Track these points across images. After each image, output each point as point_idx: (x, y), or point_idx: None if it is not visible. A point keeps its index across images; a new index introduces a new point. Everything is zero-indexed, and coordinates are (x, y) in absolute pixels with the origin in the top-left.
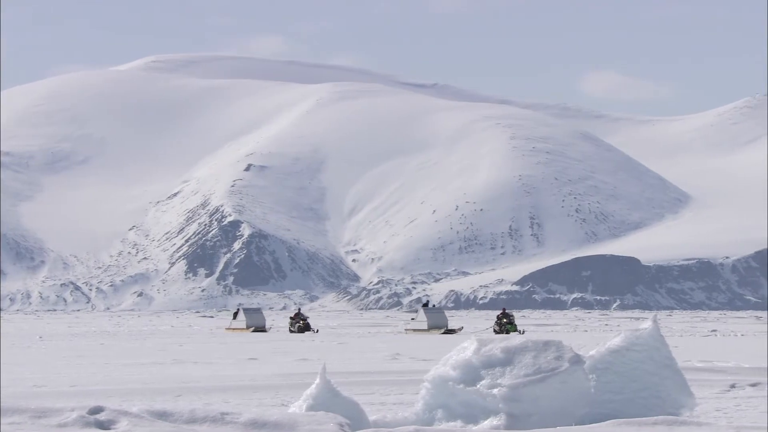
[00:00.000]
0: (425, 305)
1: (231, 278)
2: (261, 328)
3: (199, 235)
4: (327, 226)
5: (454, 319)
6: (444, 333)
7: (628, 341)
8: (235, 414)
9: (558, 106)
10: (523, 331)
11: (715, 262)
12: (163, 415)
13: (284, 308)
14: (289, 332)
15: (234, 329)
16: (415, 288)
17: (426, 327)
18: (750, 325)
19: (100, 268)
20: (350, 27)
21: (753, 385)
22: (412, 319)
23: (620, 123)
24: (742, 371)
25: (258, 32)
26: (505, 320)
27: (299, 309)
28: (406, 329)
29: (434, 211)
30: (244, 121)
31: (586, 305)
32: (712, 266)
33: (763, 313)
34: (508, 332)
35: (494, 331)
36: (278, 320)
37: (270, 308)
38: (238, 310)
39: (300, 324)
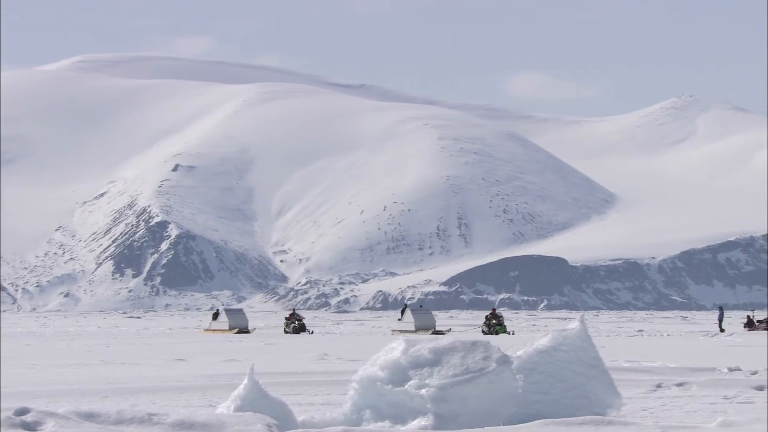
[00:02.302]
0: (405, 307)
1: (158, 279)
2: (244, 330)
3: (126, 236)
4: (255, 226)
5: (381, 320)
6: (432, 334)
7: (556, 342)
8: (163, 415)
9: (485, 106)
10: (513, 333)
11: (641, 263)
12: (90, 416)
13: (211, 309)
14: (284, 333)
15: (214, 331)
16: (342, 288)
17: (413, 328)
18: (676, 325)
19: (26, 268)
20: (277, 27)
21: (679, 384)
22: (399, 320)
23: (547, 124)
24: (668, 371)
25: (184, 33)
26: (494, 321)
27: (294, 309)
28: (392, 330)
29: (362, 211)
30: (171, 121)
31: (514, 305)
32: (639, 266)
33: (688, 313)
34: (497, 333)
35: (482, 332)
36: (205, 321)
37: (197, 309)
38: (218, 311)
39: (295, 325)
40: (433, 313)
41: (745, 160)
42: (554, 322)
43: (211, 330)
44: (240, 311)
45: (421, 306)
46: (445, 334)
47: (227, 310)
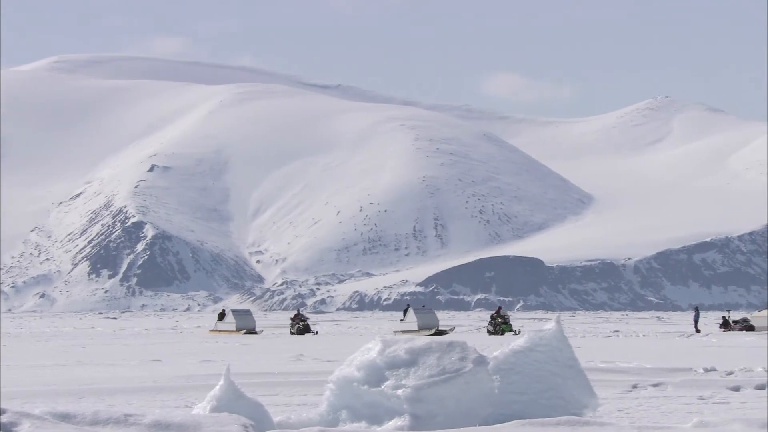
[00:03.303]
0: (408, 307)
1: (134, 279)
2: (252, 331)
3: (102, 236)
4: (231, 227)
5: (358, 320)
6: (434, 334)
7: (532, 342)
8: (139, 415)
9: (462, 107)
10: (519, 332)
11: (617, 263)
12: (66, 417)
13: (188, 309)
14: (290, 334)
15: (220, 331)
16: (319, 289)
17: (416, 328)
18: (652, 325)
19: (1, 269)
20: (253, 28)
21: (655, 385)
22: (401, 320)
23: (523, 124)
24: (644, 372)
25: (159, 33)
26: (499, 320)
27: (299, 309)
28: (395, 331)
29: (338, 212)
30: (147, 121)
31: (490, 306)
32: (615, 267)
33: (664, 314)
34: (503, 332)
35: (488, 331)
36: (181, 321)
37: (174, 309)
38: (224, 311)
39: (300, 326)
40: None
41: (721, 161)
42: (530, 322)
43: (216, 331)
44: (247, 312)
45: (423, 306)
46: (448, 334)
47: (234, 311)
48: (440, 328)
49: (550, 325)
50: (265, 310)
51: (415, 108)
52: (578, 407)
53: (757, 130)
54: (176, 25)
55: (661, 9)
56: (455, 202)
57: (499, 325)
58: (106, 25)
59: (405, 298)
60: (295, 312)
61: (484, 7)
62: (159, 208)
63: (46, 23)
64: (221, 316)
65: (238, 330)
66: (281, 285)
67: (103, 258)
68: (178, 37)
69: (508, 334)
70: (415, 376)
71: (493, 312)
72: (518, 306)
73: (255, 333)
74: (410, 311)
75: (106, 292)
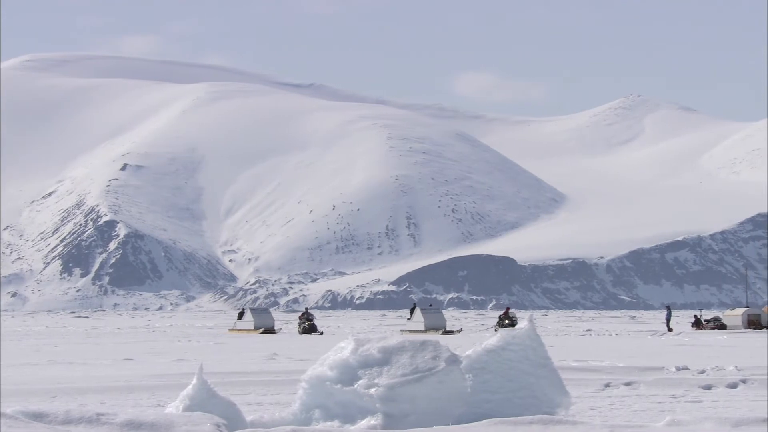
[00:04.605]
0: (414, 306)
1: (107, 278)
2: (270, 330)
3: (75, 235)
4: (204, 226)
5: (330, 319)
6: (442, 334)
7: (505, 341)
8: (111, 415)
9: (434, 106)
10: None
11: (589, 262)
12: (38, 417)
13: (160, 308)
14: (299, 333)
15: (239, 330)
16: (291, 288)
17: (423, 328)
18: (624, 324)
19: None
20: (225, 26)
21: (627, 384)
22: (408, 319)
23: (496, 123)
24: (616, 370)
25: (130, 32)
26: (507, 321)
27: (306, 309)
28: (401, 330)
29: (311, 211)
30: (120, 120)
31: (463, 305)
32: (587, 266)
33: (637, 313)
34: None
35: (495, 331)
36: (154, 320)
37: (146, 308)
38: (244, 310)
39: (305, 325)
40: (383, 312)
41: (693, 160)
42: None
43: (236, 330)
44: (266, 311)
45: (430, 305)
46: (455, 334)
47: (252, 310)
48: (448, 329)
49: (522, 324)
50: (238, 309)
51: (388, 107)
52: (551, 406)
53: (728, 129)
54: (147, 24)
55: (633, 8)
56: (428, 201)
57: (507, 326)
58: (77, 24)
59: (378, 297)
60: (303, 311)
61: (456, 7)
62: (131, 206)
63: (16, 23)
64: (240, 315)
65: (255, 329)
66: (254, 284)
67: (75, 257)
68: (149, 36)
69: None
70: (388, 375)
71: (501, 313)
72: (491, 305)
73: (273, 332)
74: (417, 311)
75: (78, 291)
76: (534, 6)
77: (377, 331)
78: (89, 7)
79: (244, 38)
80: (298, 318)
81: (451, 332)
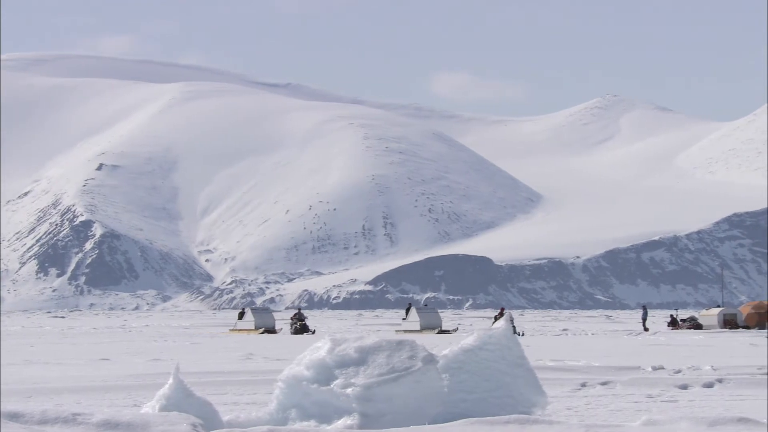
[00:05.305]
0: (410, 306)
1: (83, 278)
2: (271, 330)
3: (51, 235)
4: (180, 225)
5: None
6: (438, 333)
7: (481, 341)
8: (87, 415)
9: (411, 106)
10: (523, 333)
11: (566, 262)
12: (14, 417)
13: (136, 308)
14: (291, 333)
15: (240, 331)
16: (268, 288)
17: (418, 327)
18: (600, 324)
19: None
20: (202, 26)
21: (603, 383)
22: (403, 319)
23: (472, 123)
24: (592, 370)
25: (106, 31)
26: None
27: (299, 309)
28: (396, 331)
29: (288, 210)
30: (96, 120)
31: (439, 305)
32: (563, 266)
33: (613, 312)
34: None
35: None
36: (130, 320)
37: (122, 308)
38: (244, 310)
39: (297, 325)
40: (359, 312)
41: (669, 160)
42: (480, 321)
43: (236, 330)
44: (267, 311)
45: (426, 305)
46: (451, 334)
47: (253, 310)
48: (443, 328)
49: (499, 324)
50: (214, 309)
51: (364, 107)
52: (527, 405)
53: (705, 128)
54: (124, 23)
55: (609, 8)
56: (404, 200)
57: None
58: (53, 24)
59: (354, 297)
60: (295, 312)
61: (432, 6)
62: (107, 206)
63: None
64: (241, 315)
65: (256, 329)
66: (230, 284)
67: (51, 257)
68: (126, 36)
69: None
70: (364, 374)
71: (497, 313)
72: (467, 304)
73: (274, 332)
74: (413, 310)
75: (54, 291)
76: (511, 6)
77: (371, 331)
78: (66, 6)
79: (220, 38)
80: (290, 318)
81: (447, 331)
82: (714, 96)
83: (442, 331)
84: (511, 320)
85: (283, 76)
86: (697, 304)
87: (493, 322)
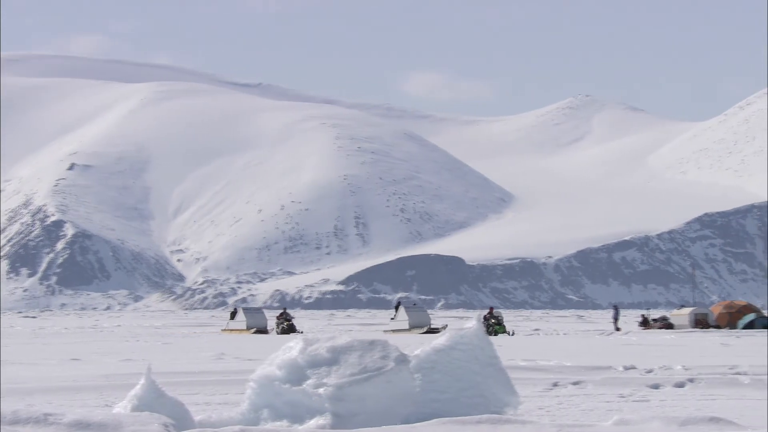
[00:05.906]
0: (399, 304)
1: (54, 278)
2: (263, 330)
3: (22, 235)
4: (152, 225)
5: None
6: (426, 332)
7: (453, 341)
8: (59, 415)
9: (383, 106)
10: (513, 333)
11: (537, 262)
12: None
13: (108, 308)
14: (277, 334)
15: (232, 330)
16: (240, 288)
17: (407, 326)
18: (572, 324)
19: None
20: (172, 26)
21: (575, 383)
22: (392, 318)
23: (444, 123)
24: (564, 370)
25: (77, 31)
26: (492, 320)
27: (284, 309)
28: (384, 330)
29: (260, 210)
30: (67, 120)
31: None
32: (535, 266)
33: (584, 312)
34: (496, 333)
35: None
36: (101, 320)
37: (94, 308)
38: (236, 309)
39: (284, 325)
40: (331, 312)
41: (640, 160)
42: (451, 321)
43: (228, 330)
44: (259, 311)
45: (414, 304)
46: (441, 332)
47: (245, 309)
48: (432, 327)
49: (471, 324)
50: (186, 309)
51: (336, 106)
52: (499, 405)
53: (676, 129)
54: (93, 23)
55: (581, 8)
56: (376, 200)
57: (492, 326)
58: (23, 24)
59: (326, 297)
60: (281, 311)
61: (404, 6)
62: (79, 206)
63: None
64: (233, 315)
65: (248, 329)
66: (202, 284)
67: (22, 257)
68: (96, 35)
69: (501, 336)
70: (336, 374)
71: (486, 312)
72: (439, 304)
73: (266, 332)
74: (401, 309)
75: (25, 291)
76: (482, 6)
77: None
78: (36, 6)
79: (191, 38)
80: (276, 318)
81: (435, 330)
82: (685, 96)
83: (430, 330)
84: (500, 318)
85: (254, 76)
86: (669, 303)
87: (483, 322)
